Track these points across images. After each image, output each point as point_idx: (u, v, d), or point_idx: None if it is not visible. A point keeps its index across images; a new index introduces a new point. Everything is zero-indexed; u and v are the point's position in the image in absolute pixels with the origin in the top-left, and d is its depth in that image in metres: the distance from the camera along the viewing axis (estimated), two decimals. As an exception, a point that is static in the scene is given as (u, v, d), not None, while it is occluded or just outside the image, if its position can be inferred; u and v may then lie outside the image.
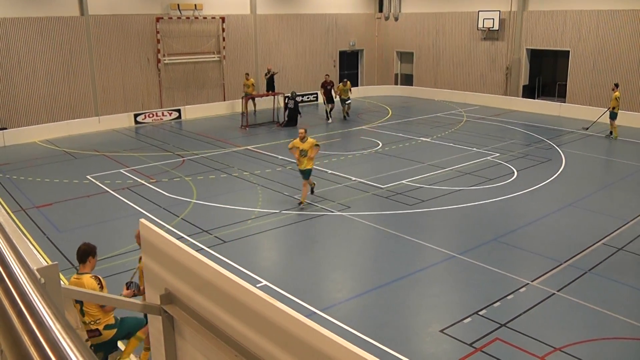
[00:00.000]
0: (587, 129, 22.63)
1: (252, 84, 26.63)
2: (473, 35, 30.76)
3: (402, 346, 8.18)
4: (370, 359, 1.86)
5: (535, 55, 29.61)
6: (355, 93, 34.00)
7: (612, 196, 15.15)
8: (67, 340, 1.18)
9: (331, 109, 26.11)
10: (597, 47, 26.08)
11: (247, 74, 26.83)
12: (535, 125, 24.61)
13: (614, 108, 21.67)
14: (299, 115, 25.34)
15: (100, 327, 6.69)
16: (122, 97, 25.47)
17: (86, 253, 6.79)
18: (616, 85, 22.02)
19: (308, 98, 31.73)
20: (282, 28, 30.64)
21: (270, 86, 27.77)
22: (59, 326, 1.22)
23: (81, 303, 6.59)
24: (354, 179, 16.47)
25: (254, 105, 27.28)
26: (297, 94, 27.82)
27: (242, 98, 25.51)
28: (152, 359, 3.58)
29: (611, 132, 22.05)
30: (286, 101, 25.20)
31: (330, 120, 25.78)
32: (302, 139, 13.94)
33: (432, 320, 9.05)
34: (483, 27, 29.72)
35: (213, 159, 19.04)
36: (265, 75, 27.89)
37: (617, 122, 21.93)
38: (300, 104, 26.92)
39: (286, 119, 25.15)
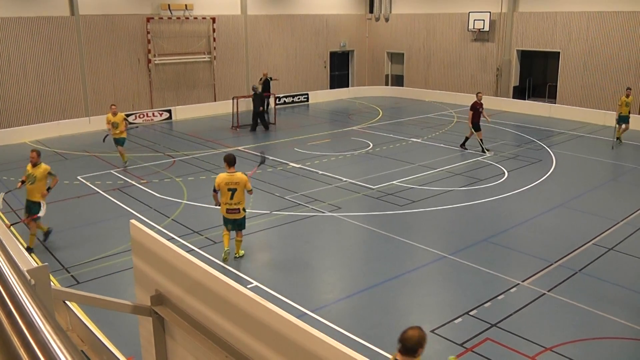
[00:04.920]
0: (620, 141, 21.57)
1: (124, 119, 18.13)
2: (463, 36, 30.86)
3: (393, 346, 8.14)
4: (360, 359, 1.86)
5: (526, 57, 29.76)
6: (346, 94, 34.11)
7: (603, 197, 15.24)
8: (56, 342, 1.17)
9: (481, 139, 20.05)
10: (587, 49, 26.23)
11: (114, 106, 18.25)
12: (526, 126, 24.72)
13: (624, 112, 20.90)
14: (265, 114, 24.94)
15: (240, 207, 10.71)
16: (112, 98, 25.32)
17: (235, 158, 10.81)
18: (629, 90, 21.23)
19: (299, 99, 31.74)
20: (272, 29, 30.63)
21: (266, 89, 27.40)
22: (48, 327, 1.22)
23: (234, 190, 10.47)
24: (344, 179, 16.48)
25: (121, 152, 18.23)
26: (278, 95, 27.74)
27: (105, 138, 18.15)
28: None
29: (618, 138, 21.36)
30: (252, 96, 24.13)
31: (489, 154, 19.60)
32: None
33: (423, 320, 9.06)
34: (473, 28, 29.82)
35: (204, 160, 19.00)
36: (260, 80, 27.54)
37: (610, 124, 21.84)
38: (276, 104, 26.60)
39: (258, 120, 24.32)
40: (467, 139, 20.28)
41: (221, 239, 11.90)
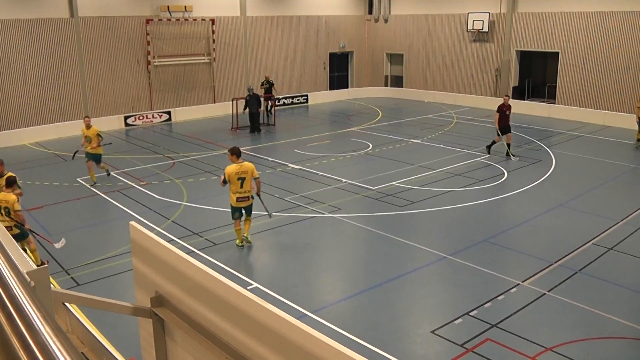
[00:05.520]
0: None
1: (98, 134, 16.08)
2: (463, 37, 30.86)
3: (393, 347, 8.19)
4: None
5: (525, 57, 29.76)
6: (346, 95, 34.12)
7: (602, 196, 15.23)
8: (56, 343, 1.17)
9: (508, 144, 19.28)
10: (586, 49, 26.24)
11: (87, 118, 16.51)
12: (526, 126, 24.71)
13: None
14: (263, 114, 24.73)
15: (249, 195, 11.53)
16: (112, 100, 25.38)
17: (240, 150, 11.71)
18: None
19: (298, 100, 31.75)
20: (272, 30, 30.64)
21: (267, 92, 26.98)
22: (48, 329, 1.22)
23: (243, 178, 11.31)
24: (344, 180, 16.48)
25: (90, 167, 16.35)
26: (279, 97, 27.63)
27: (75, 154, 16.56)
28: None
29: (639, 140, 20.73)
30: (247, 97, 23.90)
31: (515, 158, 18.99)
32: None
33: (423, 321, 9.07)
34: (473, 28, 29.83)
35: (203, 161, 19.01)
36: (262, 84, 27.15)
37: (616, 124, 21.57)
38: (274, 105, 26.54)
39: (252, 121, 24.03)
40: (493, 142, 19.57)
41: (223, 240, 11.93)
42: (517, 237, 12.47)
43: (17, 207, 10.14)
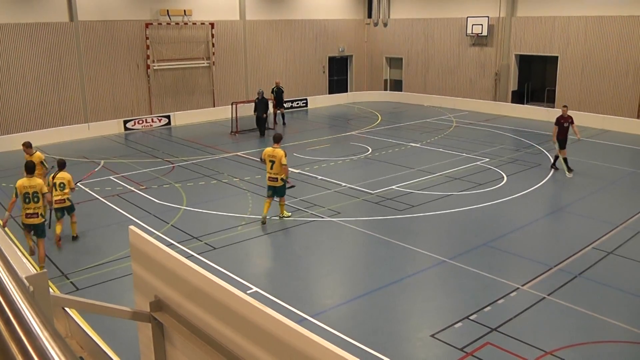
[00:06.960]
0: None
1: (42, 162, 13.23)
2: (462, 41, 30.89)
3: (393, 351, 8.18)
4: (360, 364, 1.86)
5: (524, 61, 29.79)
6: (345, 99, 34.14)
7: (602, 200, 15.23)
8: (54, 349, 1.17)
9: (565, 158, 17.67)
10: (585, 53, 26.26)
11: (28, 145, 13.46)
12: (525, 130, 24.73)
13: None
14: (268, 120, 24.77)
15: (279, 177, 13.02)
16: (111, 104, 25.39)
17: (281, 137, 13.66)
18: None
19: (297, 104, 31.75)
20: (271, 34, 30.67)
21: (279, 103, 26.70)
22: (46, 334, 1.21)
23: (273, 162, 12.93)
24: (343, 184, 16.48)
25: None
26: (286, 100, 27.73)
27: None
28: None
29: None
30: (256, 100, 24.11)
31: (570, 175, 17.33)
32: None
33: (423, 325, 9.05)
34: (472, 33, 29.87)
35: (203, 165, 19.00)
36: (272, 90, 26.66)
37: (615, 128, 21.46)
38: (282, 110, 26.55)
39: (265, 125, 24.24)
40: (557, 157, 17.94)
41: (222, 244, 11.94)
42: (517, 241, 12.46)
43: (72, 184, 12.32)
